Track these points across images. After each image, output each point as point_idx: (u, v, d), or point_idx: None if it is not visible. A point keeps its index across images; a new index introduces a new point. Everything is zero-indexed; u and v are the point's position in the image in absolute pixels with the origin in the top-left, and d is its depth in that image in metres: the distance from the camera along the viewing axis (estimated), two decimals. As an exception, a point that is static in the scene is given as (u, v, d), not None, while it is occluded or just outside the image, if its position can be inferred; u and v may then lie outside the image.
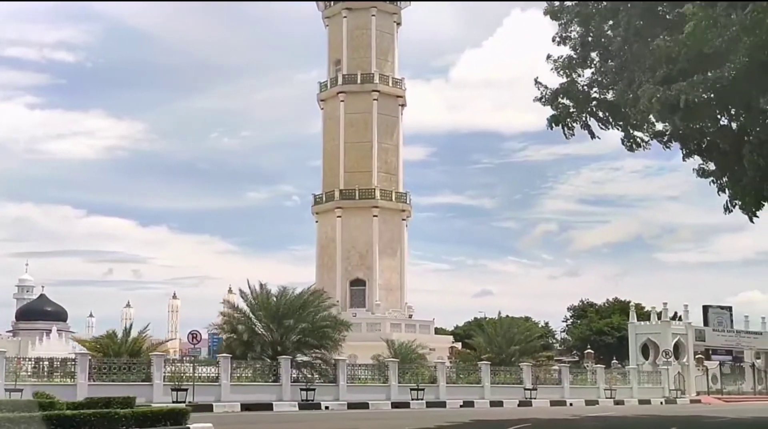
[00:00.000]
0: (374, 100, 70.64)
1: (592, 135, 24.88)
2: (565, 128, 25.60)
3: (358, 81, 70.67)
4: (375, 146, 70.91)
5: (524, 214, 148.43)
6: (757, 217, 25.23)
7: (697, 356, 56.77)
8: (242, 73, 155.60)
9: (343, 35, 71.53)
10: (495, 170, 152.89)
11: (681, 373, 53.97)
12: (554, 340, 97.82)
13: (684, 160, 25.01)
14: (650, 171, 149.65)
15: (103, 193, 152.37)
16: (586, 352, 67.39)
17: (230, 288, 58.99)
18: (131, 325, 36.38)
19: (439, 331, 78.98)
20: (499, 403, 40.87)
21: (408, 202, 72.72)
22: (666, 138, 24.71)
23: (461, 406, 39.21)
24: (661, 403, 48.12)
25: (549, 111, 24.63)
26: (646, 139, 25.04)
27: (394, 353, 44.24)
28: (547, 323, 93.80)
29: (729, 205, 24.80)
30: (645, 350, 58.76)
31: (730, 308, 60.47)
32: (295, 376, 37.21)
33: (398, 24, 73.79)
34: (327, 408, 35.07)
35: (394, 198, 71.30)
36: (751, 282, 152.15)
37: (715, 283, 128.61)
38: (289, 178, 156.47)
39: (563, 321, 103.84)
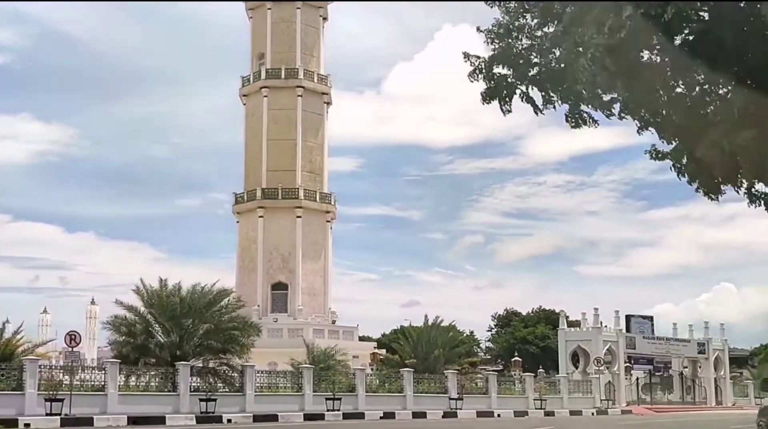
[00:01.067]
0: (299, 96, 66.32)
1: (537, 109, 20.98)
2: (503, 103, 21.54)
3: (282, 76, 66.27)
4: (299, 144, 66.57)
5: (450, 226, 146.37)
6: (718, 200, 21.35)
7: (625, 365, 53.60)
8: (177, 79, 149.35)
9: (267, 28, 67.04)
10: (423, 182, 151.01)
11: (611, 383, 50.63)
12: (479, 350, 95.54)
13: (639, 133, 21.11)
14: (572, 186, 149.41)
15: (30, 198, 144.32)
16: (513, 360, 63.88)
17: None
18: (4, 325, 30.80)
19: (365, 339, 74.78)
20: (422, 415, 36.78)
21: (333, 203, 68.47)
22: (617, 109, 20.78)
23: (381, 418, 35.00)
24: (593, 414, 44.65)
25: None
26: (593, 113, 21.06)
27: (312, 359, 39.89)
28: (472, 332, 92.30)
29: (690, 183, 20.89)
30: (574, 358, 55.48)
31: (651, 318, 57.40)
32: (196, 384, 32.49)
33: (324, 19, 69.54)
34: (229, 421, 30.44)
35: (318, 198, 66.98)
36: (665, 295, 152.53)
37: (632, 296, 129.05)
38: (220, 185, 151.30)
39: (488, 330, 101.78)
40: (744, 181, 18.87)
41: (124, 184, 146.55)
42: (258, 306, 65.86)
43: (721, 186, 20.34)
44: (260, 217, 66.20)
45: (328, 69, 69.48)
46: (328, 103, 69.04)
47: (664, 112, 20.23)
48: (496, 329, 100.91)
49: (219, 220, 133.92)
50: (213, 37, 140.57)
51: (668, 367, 56.67)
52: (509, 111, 23.16)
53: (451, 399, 39.12)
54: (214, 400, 30.90)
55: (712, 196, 20.78)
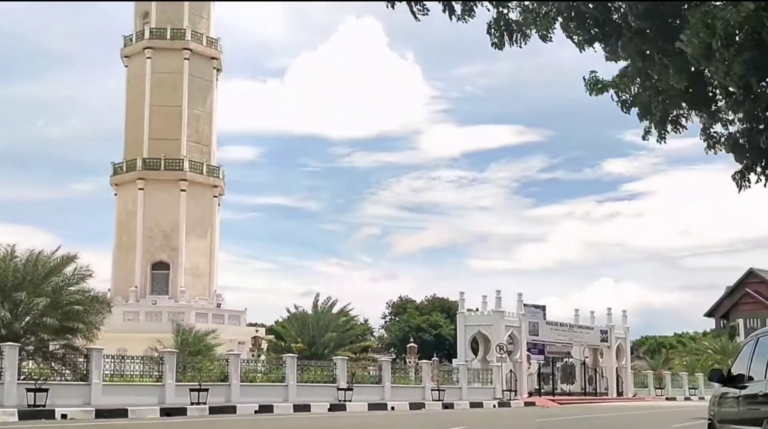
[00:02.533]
0: (186, 59, 59.52)
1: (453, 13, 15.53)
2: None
3: (168, 36, 59.32)
4: (185, 112, 59.79)
5: (348, 217, 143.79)
6: (665, 142, 16.23)
7: (527, 353, 48.94)
8: (75, 60, 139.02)
9: (152, -17, 59.92)
10: (321, 174, 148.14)
11: (513, 371, 45.78)
12: (373, 338, 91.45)
13: (581, 50, 15.74)
14: (464, 181, 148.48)
15: None
16: (408, 345, 58.52)
17: None
18: None
19: (257, 326, 68.31)
20: (306, 407, 30.85)
21: (221, 177, 61.93)
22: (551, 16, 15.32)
23: (256, 412, 28.91)
24: (494, 406, 39.64)
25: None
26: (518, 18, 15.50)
27: (180, 343, 33.54)
28: (366, 320, 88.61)
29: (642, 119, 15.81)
30: (473, 346, 50.67)
31: (543, 307, 52.84)
32: (30, 371, 25.85)
33: (217, -22, 62.79)
34: (64, 416, 23.80)
35: (205, 171, 60.34)
36: (550, 288, 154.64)
37: (520, 289, 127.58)
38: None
39: (382, 317, 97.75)
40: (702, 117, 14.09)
41: (17, 167, 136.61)
42: (136, 287, 58.92)
43: (681, 119, 15.33)
44: (140, 189, 59.21)
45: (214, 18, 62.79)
46: (219, 70, 62.40)
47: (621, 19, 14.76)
48: (390, 317, 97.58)
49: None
50: (119, 22, 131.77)
51: (570, 356, 52.40)
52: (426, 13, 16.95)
53: (339, 389, 33.40)
54: (45, 390, 24.23)
55: (664, 134, 15.67)
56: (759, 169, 18.17)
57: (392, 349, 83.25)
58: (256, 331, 56.84)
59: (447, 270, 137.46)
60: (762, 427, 8.82)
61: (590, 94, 16.15)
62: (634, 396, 55.07)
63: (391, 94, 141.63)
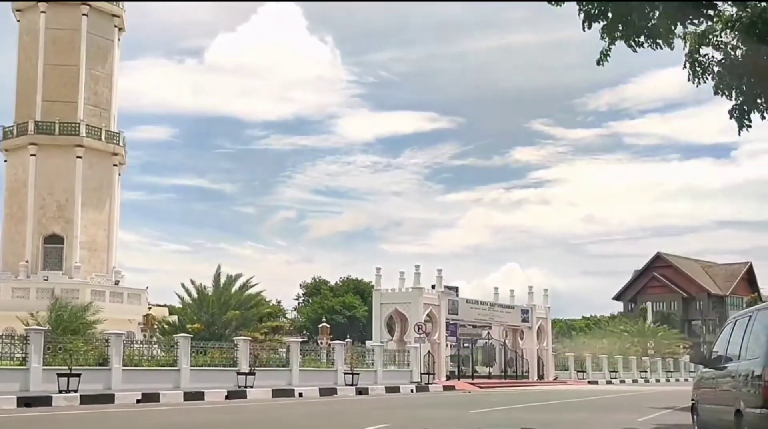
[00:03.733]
0: (84, 14, 53.69)
1: None
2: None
3: (64, -12, 53.14)
4: (83, 72, 53.94)
5: (263, 200, 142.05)
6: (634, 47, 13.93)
7: (446, 334, 45.12)
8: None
9: (45, -70, 53.55)
10: (236, 156, 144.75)
11: (431, 353, 41.87)
12: (285, 320, 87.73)
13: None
14: (379, 167, 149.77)
15: None
16: (321, 326, 54.20)
17: None
18: None
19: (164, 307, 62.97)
20: (199, 395, 26.14)
21: (122, 144, 56.19)
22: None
23: (138, 401, 24.08)
24: (412, 390, 35.68)
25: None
26: None
27: (54, 320, 28.37)
28: (279, 301, 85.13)
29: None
30: (389, 325, 46.78)
31: (456, 288, 49.23)
32: None
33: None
34: None
35: (104, 137, 54.60)
36: (460, 273, 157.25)
37: (431, 273, 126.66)
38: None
39: (295, 298, 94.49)
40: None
41: None
42: (27, 261, 52.91)
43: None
44: (32, 155, 53.17)
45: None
46: (121, 29, 56.59)
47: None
48: (304, 299, 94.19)
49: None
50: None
51: (490, 337, 48.96)
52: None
53: (240, 374, 28.81)
54: None
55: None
56: (763, 102, 14.55)
57: (305, 332, 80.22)
58: (149, 309, 51.39)
59: (361, 254, 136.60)
60: (733, 406, 8.70)
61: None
62: (555, 379, 52.02)
63: (309, 77, 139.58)
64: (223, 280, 37.83)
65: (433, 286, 43.97)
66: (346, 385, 33.23)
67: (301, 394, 29.38)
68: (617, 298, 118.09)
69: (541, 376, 51.07)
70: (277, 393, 28.65)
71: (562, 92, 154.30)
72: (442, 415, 20.64)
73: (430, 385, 37.39)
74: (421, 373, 38.79)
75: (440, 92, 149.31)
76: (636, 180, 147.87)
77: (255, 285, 38.49)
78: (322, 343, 45.32)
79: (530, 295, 52.45)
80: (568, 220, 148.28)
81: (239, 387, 28.11)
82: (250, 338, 31.39)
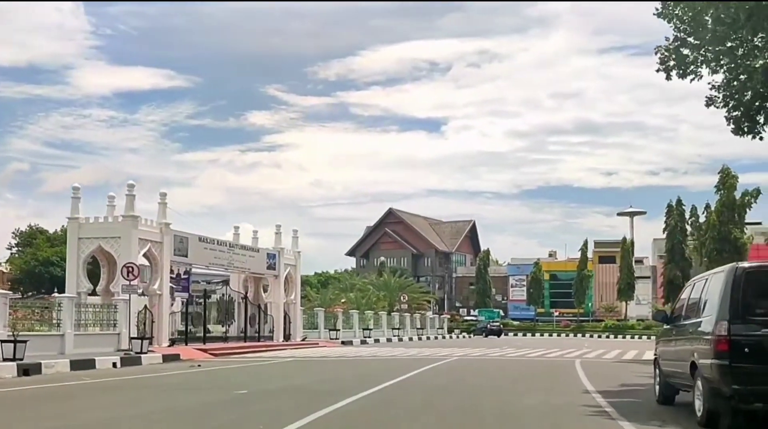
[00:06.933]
0: None
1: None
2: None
3: None
4: None
5: None
6: None
7: (170, 284, 31.99)
8: None
9: None
10: None
11: (149, 309, 28.50)
12: None
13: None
14: (115, 122, 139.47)
15: None
16: None
17: None
18: None
19: None
20: None
21: None
22: None
23: None
24: (115, 365, 22.28)
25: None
26: None
27: None
28: None
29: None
30: (94, 271, 32.89)
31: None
32: None
33: None
34: None
35: None
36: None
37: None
38: None
39: (8, 248, 78.46)
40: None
41: None
42: None
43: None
44: None
45: None
46: None
47: None
48: (17, 249, 78.53)
49: None
50: None
51: (227, 286, 36.60)
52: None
53: None
54: None
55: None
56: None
57: (20, 287, 67.48)
58: None
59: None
60: (689, 360, 9.36)
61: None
62: (304, 340, 40.72)
63: (48, 24, 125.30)
64: None
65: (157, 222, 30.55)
66: (4, 359, 19.38)
67: None
68: (350, 253, 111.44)
69: (287, 337, 39.42)
70: None
71: (295, 59, 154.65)
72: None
73: (143, 355, 24.16)
74: (132, 338, 25.51)
75: (178, 50, 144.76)
76: (360, 148, 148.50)
77: None
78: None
79: (277, 236, 40.42)
80: (298, 183, 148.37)
81: None
82: None
